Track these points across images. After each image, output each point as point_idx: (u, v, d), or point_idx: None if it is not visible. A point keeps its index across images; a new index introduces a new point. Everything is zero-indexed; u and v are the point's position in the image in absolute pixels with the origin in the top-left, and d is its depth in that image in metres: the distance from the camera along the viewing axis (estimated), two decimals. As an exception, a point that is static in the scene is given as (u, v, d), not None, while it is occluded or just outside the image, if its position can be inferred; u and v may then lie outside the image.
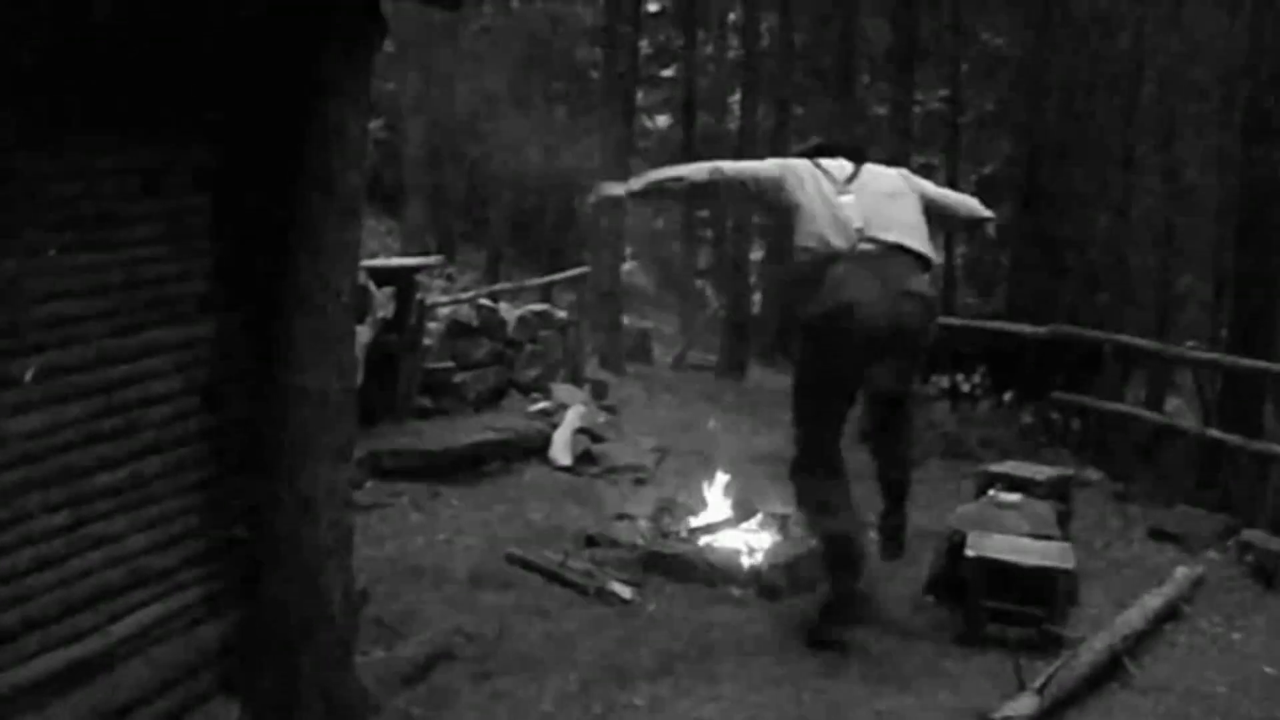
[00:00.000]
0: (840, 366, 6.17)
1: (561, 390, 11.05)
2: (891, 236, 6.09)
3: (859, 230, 6.06)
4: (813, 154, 6.56)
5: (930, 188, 6.75)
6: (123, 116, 3.83)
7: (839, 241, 6.03)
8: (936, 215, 6.59)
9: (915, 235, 6.21)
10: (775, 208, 6.50)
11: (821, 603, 6.39)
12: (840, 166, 6.40)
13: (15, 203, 3.51)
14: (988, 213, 7.01)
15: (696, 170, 6.46)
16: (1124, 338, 12.11)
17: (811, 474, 6.34)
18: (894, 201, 6.30)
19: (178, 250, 4.11)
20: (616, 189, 6.54)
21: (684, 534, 7.42)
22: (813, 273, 6.09)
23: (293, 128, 4.29)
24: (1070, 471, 8.91)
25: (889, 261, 6.06)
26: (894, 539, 6.73)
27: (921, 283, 6.17)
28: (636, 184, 6.45)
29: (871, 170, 6.46)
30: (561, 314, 12.20)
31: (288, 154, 4.29)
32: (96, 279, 3.80)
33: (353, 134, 4.36)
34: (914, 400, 7.27)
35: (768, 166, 6.56)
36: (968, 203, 7.08)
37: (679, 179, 6.39)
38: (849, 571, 6.29)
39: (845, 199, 6.21)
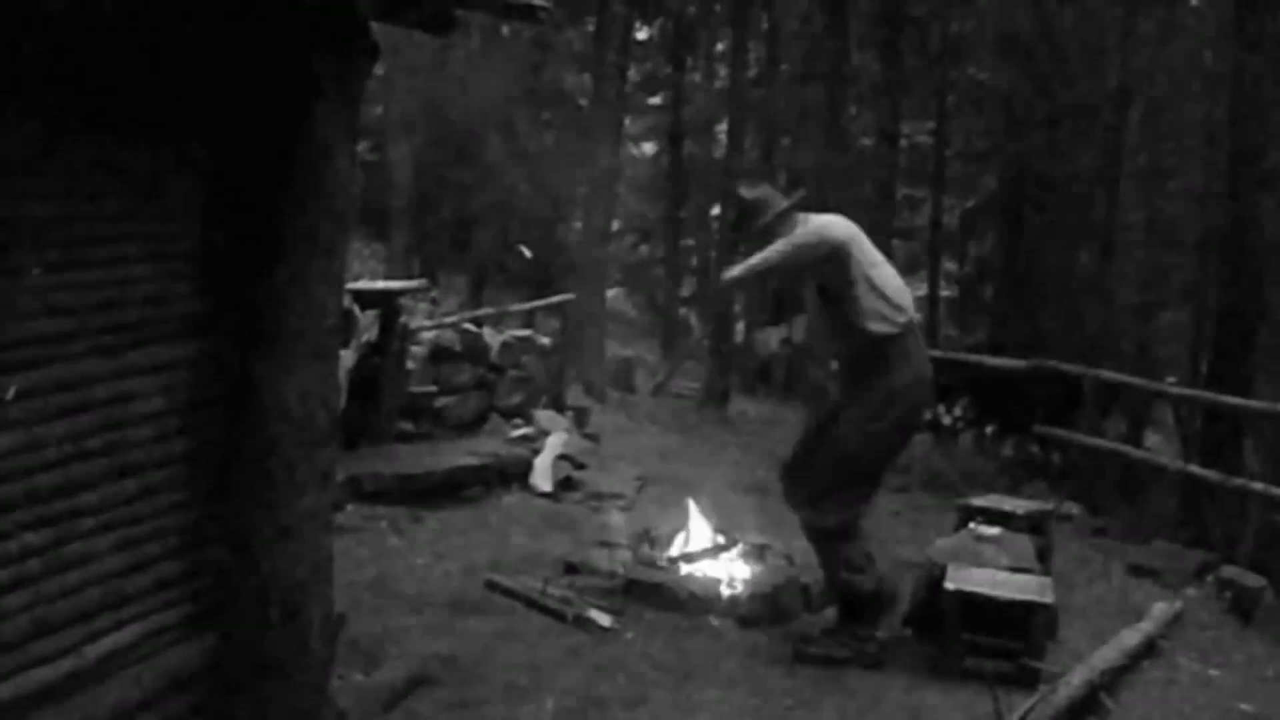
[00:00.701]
0: (909, 432, 6.75)
1: (543, 416, 11.06)
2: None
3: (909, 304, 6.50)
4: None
5: None
6: (109, 139, 3.82)
7: (907, 315, 6.43)
8: None
9: None
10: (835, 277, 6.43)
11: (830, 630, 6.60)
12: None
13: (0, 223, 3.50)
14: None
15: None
16: (1105, 372, 12.17)
17: (850, 539, 6.43)
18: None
19: (161, 271, 4.10)
20: (725, 278, 6.88)
21: (664, 562, 7.41)
22: (885, 344, 6.31)
23: (280, 152, 4.28)
24: (1050, 506, 8.94)
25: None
26: None
27: None
28: (738, 271, 6.58)
29: None
30: (544, 340, 12.21)
31: (274, 177, 4.28)
32: (79, 298, 3.78)
33: (341, 159, 4.36)
34: None
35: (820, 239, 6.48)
36: None
37: (764, 262, 6.36)
38: (876, 619, 6.58)
39: (890, 269, 6.53)
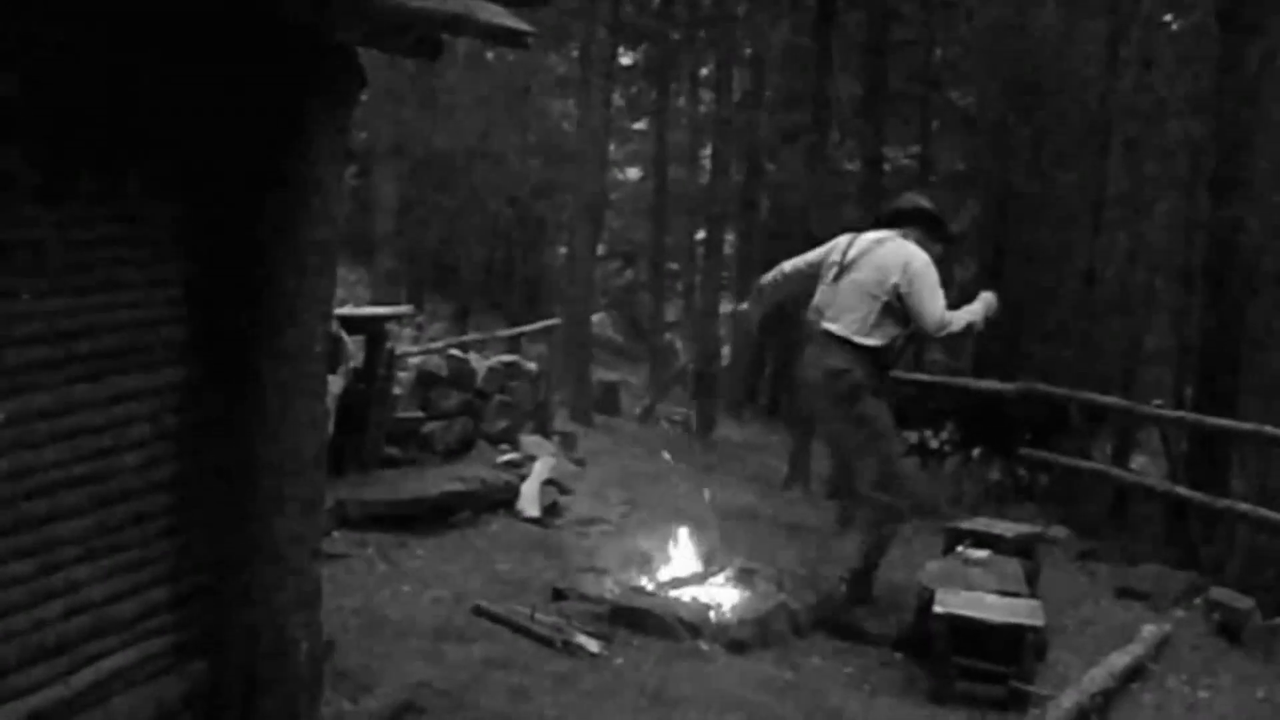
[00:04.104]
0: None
1: (530, 442, 11.02)
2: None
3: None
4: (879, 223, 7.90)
5: (909, 287, 7.50)
6: (97, 165, 3.82)
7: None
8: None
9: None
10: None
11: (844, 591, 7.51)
12: (865, 245, 7.64)
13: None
14: (934, 333, 7.77)
15: (780, 267, 8.18)
16: (1091, 395, 12.19)
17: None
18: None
19: (150, 297, 4.09)
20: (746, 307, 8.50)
21: (652, 588, 7.39)
22: (903, 343, 7.69)
23: (268, 177, 4.28)
24: (1038, 528, 8.94)
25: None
26: None
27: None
28: (754, 295, 8.35)
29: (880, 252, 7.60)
30: (531, 365, 12.19)
31: (262, 203, 4.28)
32: (67, 324, 3.77)
33: (328, 185, 4.36)
34: None
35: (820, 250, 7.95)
36: (924, 321, 7.63)
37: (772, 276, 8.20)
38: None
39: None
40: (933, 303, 7.40)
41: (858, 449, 7.68)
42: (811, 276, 7.88)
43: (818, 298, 7.66)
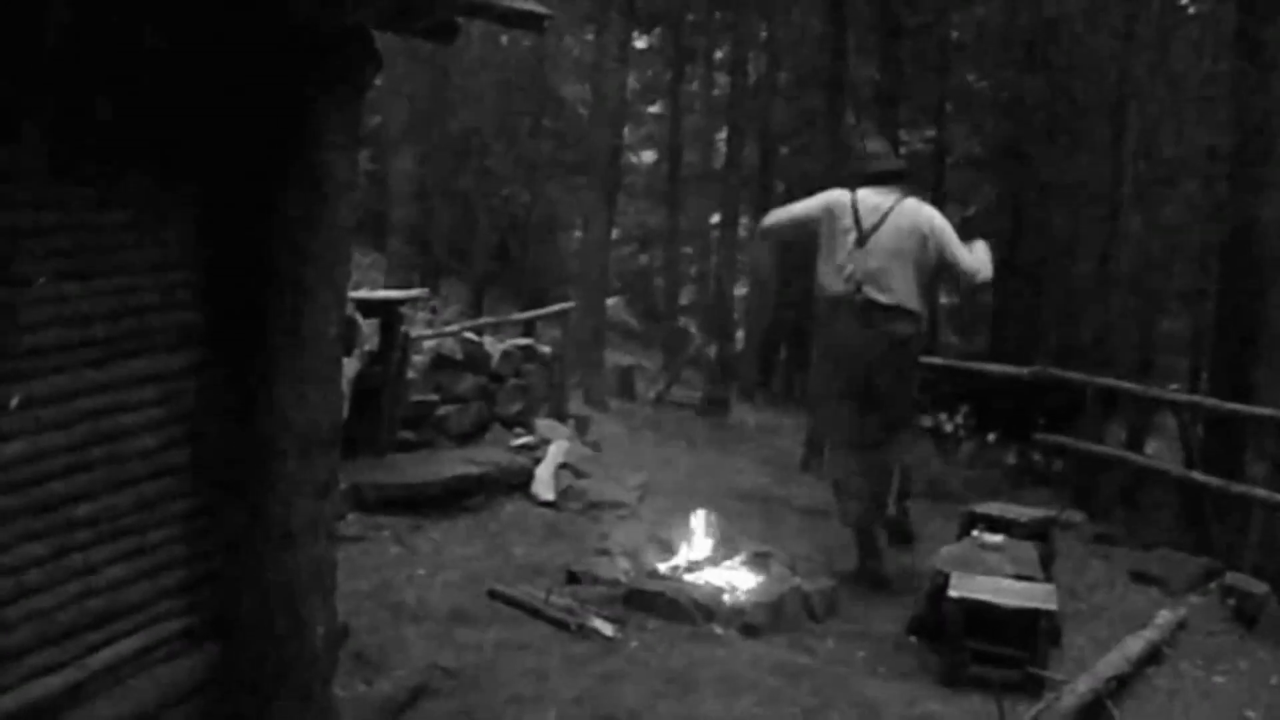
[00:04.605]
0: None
1: (544, 425, 11.02)
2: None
3: None
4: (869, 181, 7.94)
5: (945, 245, 7.77)
6: (113, 149, 3.81)
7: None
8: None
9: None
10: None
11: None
12: (876, 208, 7.71)
13: (6, 232, 3.49)
14: (978, 280, 8.02)
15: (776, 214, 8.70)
16: (1106, 379, 12.15)
17: None
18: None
19: (163, 281, 4.09)
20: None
21: (666, 571, 7.39)
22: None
23: (282, 161, 4.27)
24: (1053, 513, 8.92)
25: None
26: None
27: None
28: (759, 238, 8.89)
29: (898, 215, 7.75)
30: (545, 349, 12.18)
31: (277, 187, 4.27)
32: (82, 308, 3.77)
33: (342, 168, 4.35)
34: None
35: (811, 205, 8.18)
36: (966, 274, 7.96)
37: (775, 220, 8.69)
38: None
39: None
40: (966, 253, 7.60)
41: (905, 408, 8.20)
42: (804, 229, 8.19)
43: (847, 265, 7.71)
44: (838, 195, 7.91)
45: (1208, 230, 16.12)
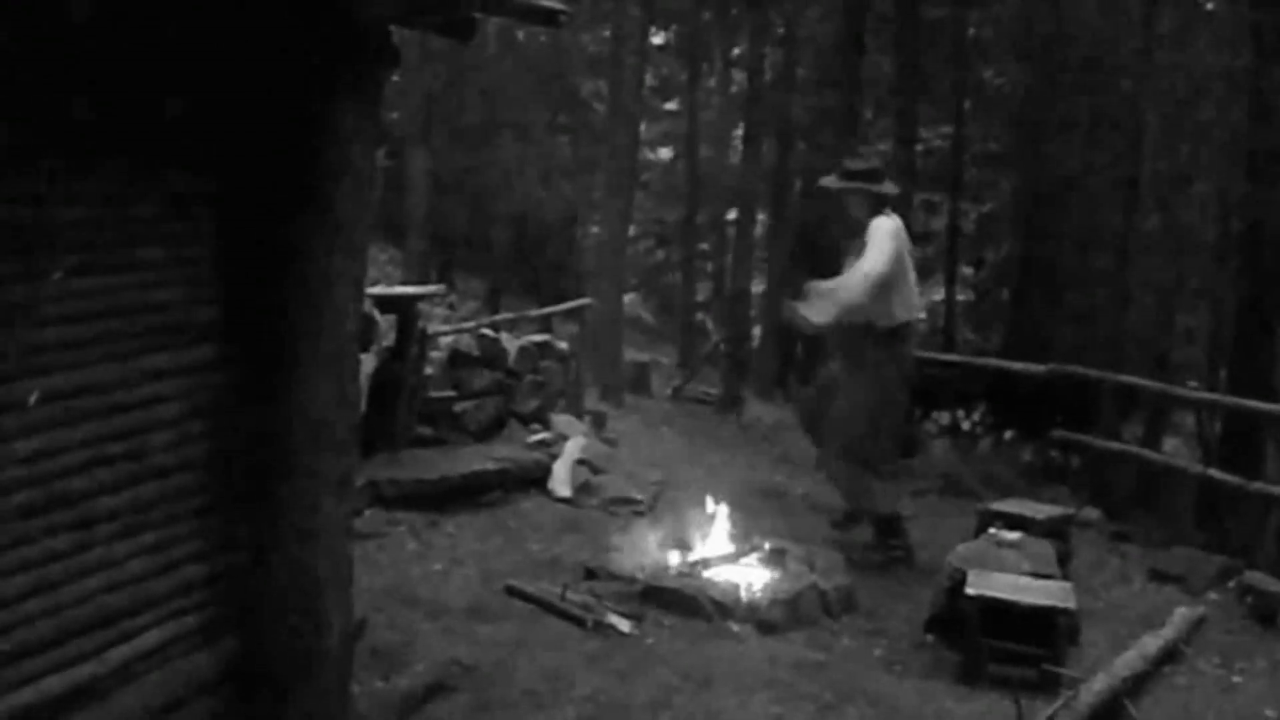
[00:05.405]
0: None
1: (561, 421, 11.02)
2: None
3: None
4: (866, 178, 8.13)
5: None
6: (131, 144, 3.82)
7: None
8: None
9: None
10: None
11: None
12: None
13: (25, 227, 3.50)
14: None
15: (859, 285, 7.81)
16: (1124, 377, 12.11)
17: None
18: None
19: (183, 276, 4.10)
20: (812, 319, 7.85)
21: (683, 567, 7.39)
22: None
23: (300, 157, 4.28)
24: (1070, 511, 8.90)
25: None
26: None
27: None
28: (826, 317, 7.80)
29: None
30: (562, 345, 12.18)
31: (295, 182, 4.28)
32: (101, 303, 3.79)
33: (360, 164, 4.36)
34: None
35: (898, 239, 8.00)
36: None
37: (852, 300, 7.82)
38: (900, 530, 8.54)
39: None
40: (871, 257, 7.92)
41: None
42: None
43: (915, 296, 8.44)
44: (897, 221, 8.08)
45: (1226, 225, 16.06)
